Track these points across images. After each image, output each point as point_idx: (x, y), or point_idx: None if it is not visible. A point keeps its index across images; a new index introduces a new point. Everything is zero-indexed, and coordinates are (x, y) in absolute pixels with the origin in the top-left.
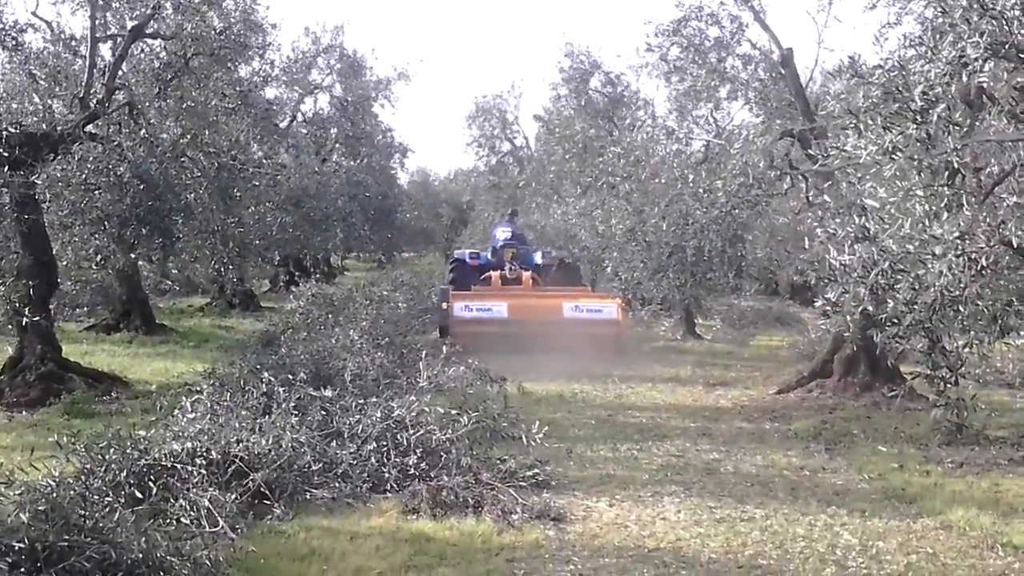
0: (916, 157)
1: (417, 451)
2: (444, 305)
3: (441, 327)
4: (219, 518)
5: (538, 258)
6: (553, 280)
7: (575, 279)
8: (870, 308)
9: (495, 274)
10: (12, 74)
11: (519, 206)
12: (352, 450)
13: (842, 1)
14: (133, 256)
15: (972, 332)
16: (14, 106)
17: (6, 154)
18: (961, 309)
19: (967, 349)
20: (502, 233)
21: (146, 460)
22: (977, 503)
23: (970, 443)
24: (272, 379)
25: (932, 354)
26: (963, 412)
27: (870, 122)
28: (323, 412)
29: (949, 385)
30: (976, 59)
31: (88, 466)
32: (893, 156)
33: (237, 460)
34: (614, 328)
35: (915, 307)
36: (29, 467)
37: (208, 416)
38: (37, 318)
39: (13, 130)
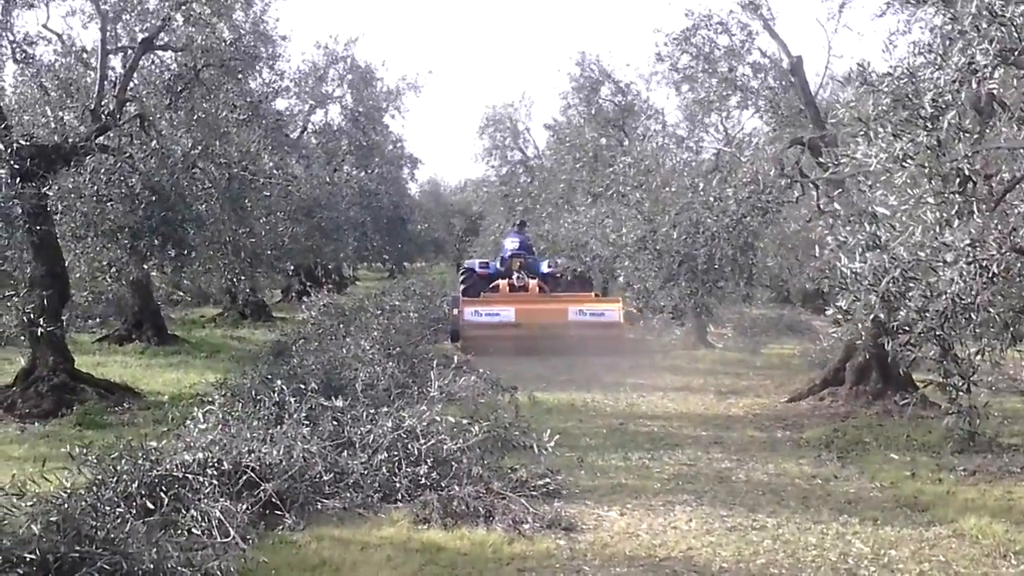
0: (927, 164)
1: (428, 461)
2: (456, 311)
3: (453, 332)
4: (230, 528)
5: (544, 267)
6: (567, 290)
7: (587, 288)
8: (882, 316)
9: (503, 282)
10: (24, 87)
11: (530, 215)
12: (363, 460)
13: (851, 9)
14: (146, 267)
15: (984, 339)
16: (26, 118)
17: (17, 166)
18: (973, 316)
19: (979, 356)
20: (510, 244)
21: (158, 471)
22: (990, 511)
23: (983, 451)
24: (284, 389)
25: (944, 362)
26: (976, 420)
27: (880, 130)
28: (334, 422)
29: (961, 393)
30: (986, 66)
31: (100, 477)
32: (904, 164)
33: (248, 470)
34: (616, 330)
35: (927, 315)
36: (41, 478)
37: (220, 427)
38: (49, 329)
39: (24, 142)
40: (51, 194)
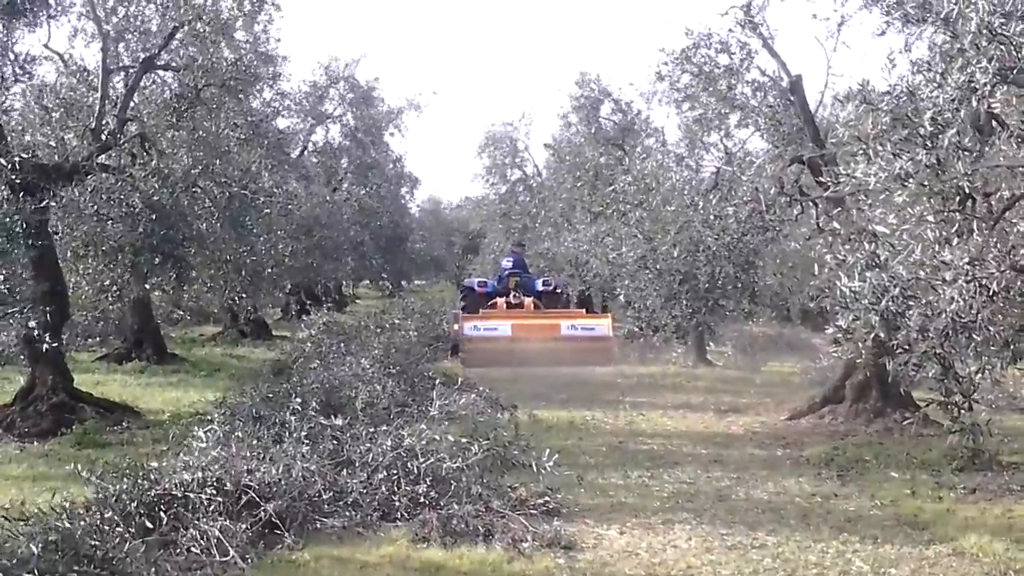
0: (926, 183)
1: (427, 479)
2: (456, 326)
3: (453, 345)
4: (229, 548)
5: (539, 285)
6: (566, 307)
7: (566, 304)
8: (882, 335)
9: (501, 300)
10: (26, 107)
11: (530, 234)
12: (363, 479)
13: (850, 28)
14: (147, 286)
15: (984, 357)
16: (27, 138)
17: (18, 182)
18: (974, 336)
19: (979, 375)
20: (507, 263)
21: (157, 490)
22: (990, 529)
23: (983, 469)
24: (284, 408)
25: (945, 380)
26: (979, 437)
27: (880, 148)
28: (334, 441)
29: (963, 411)
30: (985, 84)
31: (99, 496)
32: (905, 183)
33: (248, 490)
34: (606, 343)
35: (928, 334)
36: (40, 498)
37: (219, 445)
38: (49, 346)
39: (24, 156)
40: (53, 204)
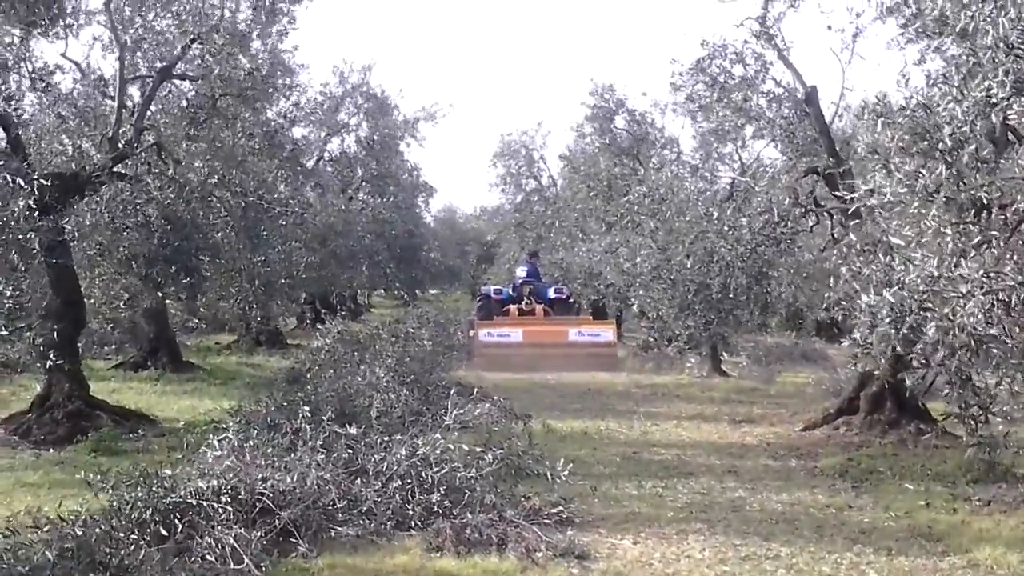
0: (947, 196)
1: (441, 488)
2: (472, 332)
3: (468, 350)
4: (244, 556)
5: (551, 293)
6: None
7: (576, 312)
8: (899, 348)
9: (513, 307)
10: (42, 115)
11: (544, 244)
12: (377, 487)
13: (866, 39)
14: (161, 295)
15: (1002, 369)
16: (43, 146)
17: (35, 200)
18: (995, 350)
19: (997, 386)
20: (520, 271)
21: (172, 498)
22: (1005, 541)
23: (998, 481)
24: (298, 416)
25: (962, 392)
26: (996, 450)
27: (900, 162)
28: (348, 449)
29: (980, 423)
30: (1003, 98)
31: (114, 504)
32: (931, 197)
33: (263, 498)
34: (610, 348)
35: (950, 345)
36: (55, 505)
37: (234, 454)
38: (62, 360)
39: (45, 183)
40: (69, 227)
